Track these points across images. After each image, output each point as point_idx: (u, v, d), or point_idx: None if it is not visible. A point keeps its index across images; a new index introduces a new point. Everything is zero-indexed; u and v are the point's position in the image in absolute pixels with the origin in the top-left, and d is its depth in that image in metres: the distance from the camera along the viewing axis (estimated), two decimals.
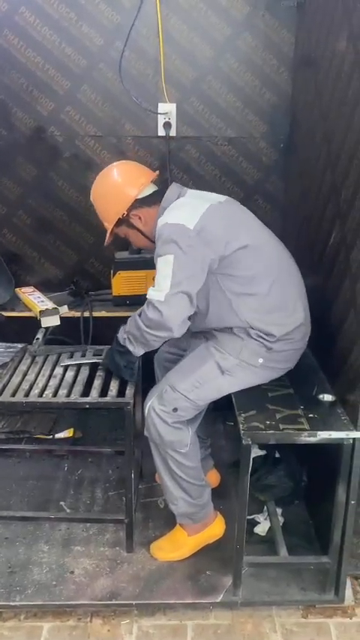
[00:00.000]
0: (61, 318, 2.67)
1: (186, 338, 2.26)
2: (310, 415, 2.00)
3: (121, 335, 2.16)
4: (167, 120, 2.84)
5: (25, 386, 2.25)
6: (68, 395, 2.19)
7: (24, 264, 3.09)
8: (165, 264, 1.99)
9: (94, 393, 2.20)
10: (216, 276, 2.08)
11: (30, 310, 2.73)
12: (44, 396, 2.19)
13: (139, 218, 2.20)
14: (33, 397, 2.19)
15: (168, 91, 2.81)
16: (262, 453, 2.60)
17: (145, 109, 2.83)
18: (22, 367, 2.40)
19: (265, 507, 2.43)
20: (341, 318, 2.07)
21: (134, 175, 2.23)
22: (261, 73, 2.82)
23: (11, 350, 2.53)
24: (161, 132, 2.86)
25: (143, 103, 2.82)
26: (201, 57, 2.79)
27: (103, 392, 2.21)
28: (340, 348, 2.10)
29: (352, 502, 1.98)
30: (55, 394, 2.20)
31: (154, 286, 2.03)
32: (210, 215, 2.05)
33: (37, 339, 2.56)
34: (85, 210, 2.89)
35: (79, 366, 2.38)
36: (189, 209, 2.08)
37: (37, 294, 2.82)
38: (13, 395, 2.19)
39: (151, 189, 2.21)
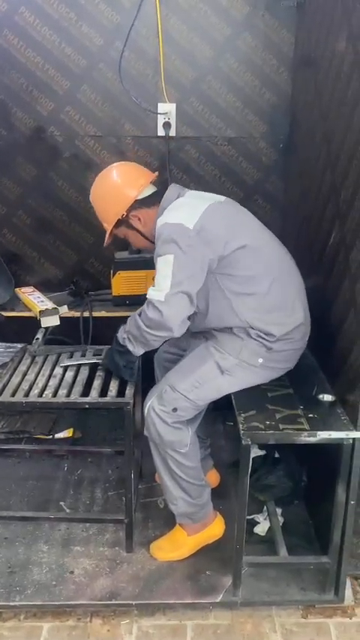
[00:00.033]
0: (61, 318, 2.67)
1: (186, 338, 2.26)
2: (310, 415, 2.00)
3: (121, 335, 2.16)
4: (167, 120, 2.85)
5: (25, 386, 2.25)
6: (68, 395, 2.19)
7: (24, 264, 3.09)
8: (165, 264, 1.99)
9: (94, 393, 2.20)
10: (215, 276, 2.08)
11: (30, 310, 2.73)
12: (44, 396, 2.19)
13: (139, 219, 2.21)
14: (33, 397, 2.19)
15: (168, 91, 2.81)
16: (261, 452, 2.60)
17: (144, 109, 2.83)
18: (22, 367, 2.40)
19: (265, 507, 2.43)
20: (341, 318, 2.07)
21: (133, 176, 2.23)
22: (261, 73, 2.82)
23: (11, 350, 2.53)
24: (161, 132, 2.87)
25: (143, 103, 2.82)
26: (201, 57, 2.79)
27: (103, 392, 2.21)
28: (339, 348, 2.10)
29: (352, 502, 1.98)
30: (54, 394, 2.20)
31: (154, 286, 2.03)
32: (209, 215, 2.05)
33: (37, 339, 2.56)
34: (84, 210, 2.89)
35: (78, 366, 2.39)
36: (188, 209, 2.08)
37: (37, 294, 2.82)
38: (13, 395, 2.19)
39: (150, 190, 2.21)
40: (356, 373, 1.95)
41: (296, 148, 2.77)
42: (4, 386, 2.25)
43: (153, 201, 2.18)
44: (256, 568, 2.18)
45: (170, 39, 2.74)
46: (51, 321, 2.64)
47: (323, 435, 1.93)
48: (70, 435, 2.96)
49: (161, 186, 2.24)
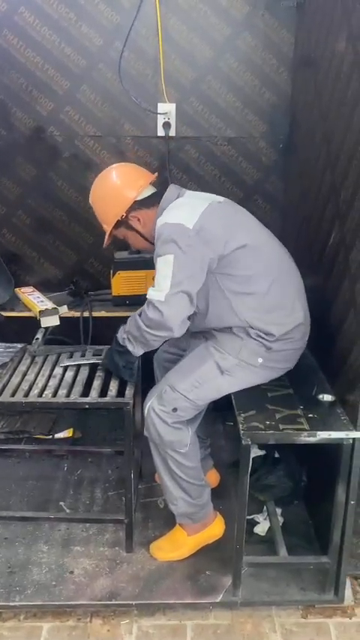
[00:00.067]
0: (61, 318, 2.67)
1: (185, 338, 2.26)
2: (310, 415, 2.00)
3: (121, 335, 2.17)
4: (167, 120, 2.85)
5: (25, 386, 2.25)
6: (68, 395, 2.19)
7: (23, 264, 3.09)
8: (165, 264, 1.99)
9: (94, 393, 2.20)
10: (215, 276, 2.08)
11: (29, 310, 2.73)
12: (44, 396, 2.19)
13: (138, 220, 2.21)
14: (32, 397, 2.19)
15: (167, 91, 2.81)
16: (261, 453, 2.60)
17: (144, 109, 2.83)
18: (22, 367, 2.40)
19: (265, 507, 2.43)
20: (341, 319, 2.07)
21: (133, 177, 2.23)
22: (260, 73, 2.82)
23: (11, 350, 2.53)
24: (160, 132, 2.87)
25: (143, 103, 2.82)
26: (200, 57, 2.79)
27: (103, 392, 2.21)
28: (339, 348, 2.10)
29: (352, 502, 1.98)
30: (54, 394, 2.20)
31: (154, 286, 2.03)
32: (209, 215, 2.05)
33: (37, 339, 2.56)
34: (84, 211, 2.89)
35: (78, 366, 2.38)
36: (188, 209, 2.08)
37: (37, 294, 2.82)
38: (13, 395, 2.19)
39: (149, 191, 2.21)
40: (356, 373, 1.95)
41: (296, 148, 2.77)
42: (4, 386, 2.25)
43: (152, 202, 2.18)
44: (256, 568, 2.18)
45: (170, 39, 2.75)
46: (51, 321, 2.64)
47: (323, 435, 1.93)
48: (70, 435, 2.96)
49: (161, 186, 2.24)
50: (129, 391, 2.20)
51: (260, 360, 2.11)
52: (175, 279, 1.98)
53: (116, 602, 2.09)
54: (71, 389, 2.23)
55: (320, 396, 2.10)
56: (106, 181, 2.25)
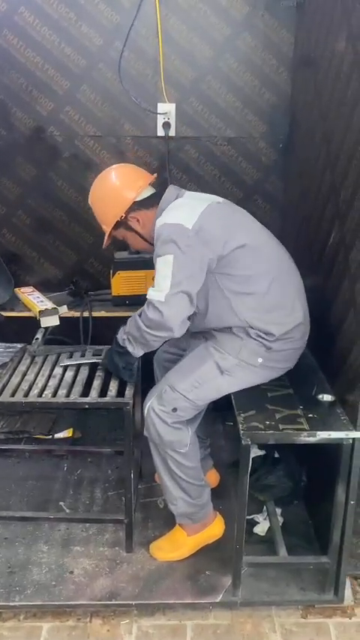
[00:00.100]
0: (61, 318, 2.67)
1: (185, 338, 2.26)
2: (310, 415, 2.00)
3: (121, 336, 2.16)
4: (166, 120, 2.85)
5: (25, 386, 2.25)
6: (68, 395, 2.19)
7: (23, 264, 3.09)
8: (164, 265, 1.99)
9: (94, 393, 2.20)
10: (215, 276, 2.08)
11: (29, 310, 2.73)
12: (43, 396, 2.19)
13: (137, 221, 2.21)
14: (32, 397, 2.19)
15: (167, 91, 2.81)
16: (261, 453, 2.60)
17: (144, 109, 2.83)
18: (22, 367, 2.40)
19: (265, 507, 2.43)
20: (341, 318, 2.07)
21: (132, 178, 2.23)
22: (260, 73, 2.82)
23: (10, 350, 2.53)
24: (160, 132, 2.87)
25: (142, 103, 2.82)
26: (200, 57, 2.79)
27: (103, 392, 2.21)
28: (339, 348, 2.10)
29: (352, 502, 1.98)
30: (54, 394, 2.20)
31: (153, 286, 2.03)
32: (208, 215, 2.05)
33: (37, 339, 2.56)
34: (84, 211, 2.89)
35: (78, 366, 2.38)
36: (187, 209, 2.08)
37: (37, 294, 2.82)
38: (13, 395, 2.19)
39: (149, 191, 2.21)
40: (356, 373, 1.95)
41: (296, 148, 2.77)
42: (4, 386, 2.25)
43: (151, 202, 2.18)
44: (256, 568, 2.18)
45: (170, 39, 2.75)
46: (51, 321, 2.65)
47: (323, 435, 1.93)
48: (70, 435, 2.96)
49: (160, 186, 2.24)
50: (129, 391, 2.20)
51: (260, 360, 2.11)
52: (175, 279, 1.98)
53: (116, 602, 2.09)
54: (71, 389, 2.23)
55: (320, 396, 2.10)
56: (105, 182, 2.25)
